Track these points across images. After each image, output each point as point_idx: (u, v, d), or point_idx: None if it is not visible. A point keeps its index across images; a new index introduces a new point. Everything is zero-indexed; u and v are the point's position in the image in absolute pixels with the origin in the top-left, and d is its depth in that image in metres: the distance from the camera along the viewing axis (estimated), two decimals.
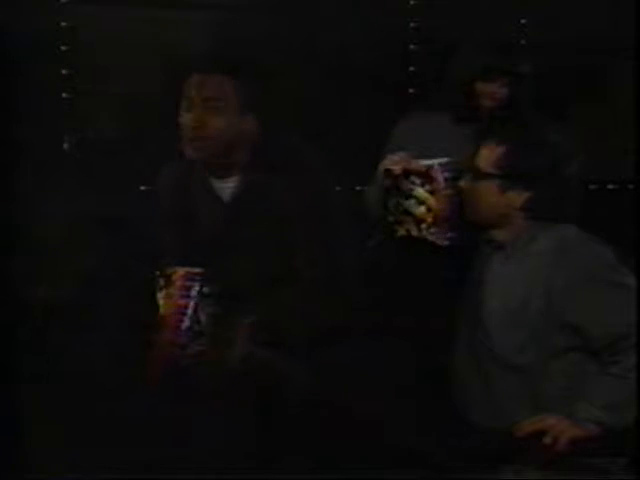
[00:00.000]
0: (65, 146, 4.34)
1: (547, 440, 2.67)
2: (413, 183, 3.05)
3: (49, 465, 2.43)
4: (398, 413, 2.74)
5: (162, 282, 2.71)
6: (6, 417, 2.57)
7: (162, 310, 2.69)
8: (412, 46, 4.74)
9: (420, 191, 3.05)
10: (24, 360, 2.79)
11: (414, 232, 3.07)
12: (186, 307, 2.68)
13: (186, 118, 2.94)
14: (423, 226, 3.06)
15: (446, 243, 3.05)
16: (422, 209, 3.05)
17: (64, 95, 4.39)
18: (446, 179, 3.03)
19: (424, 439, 2.68)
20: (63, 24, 4.40)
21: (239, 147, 2.96)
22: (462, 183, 2.89)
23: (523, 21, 4.74)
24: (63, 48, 4.40)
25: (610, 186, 4.84)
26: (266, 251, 2.92)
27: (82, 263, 3.22)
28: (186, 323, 2.67)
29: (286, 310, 2.84)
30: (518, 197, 2.84)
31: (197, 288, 2.69)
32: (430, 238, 3.06)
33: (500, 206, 2.85)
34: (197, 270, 2.71)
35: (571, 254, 2.79)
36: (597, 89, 4.72)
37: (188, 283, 2.69)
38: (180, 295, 2.69)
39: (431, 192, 3.04)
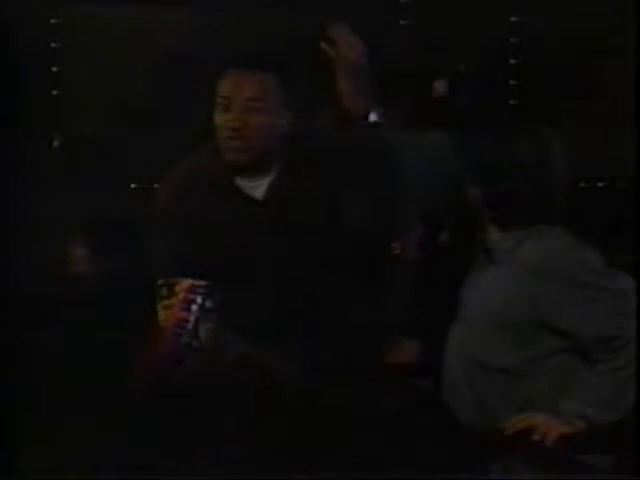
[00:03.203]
0: (55, 143, 4.33)
1: (535, 438, 2.68)
2: None
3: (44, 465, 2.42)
4: (389, 414, 2.74)
5: (164, 292, 2.61)
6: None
7: (161, 321, 2.61)
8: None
9: None
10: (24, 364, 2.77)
11: None
12: (186, 321, 2.60)
13: (224, 119, 2.80)
14: None
15: None
16: None
17: (54, 92, 4.39)
18: None
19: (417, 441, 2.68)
20: (53, 21, 4.39)
21: (275, 145, 2.83)
22: None
23: (514, 19, 4.75)
24: (53, 45, 4.39)
25: (599, 184, 4.85)
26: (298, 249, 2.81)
27: (67, 263, 3.19)
28: (185, 338, 2.59)
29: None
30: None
31: (200, 302, 2.61)
32: None
33: None
34: (202, 283, 2.60)
35: (556, 259, 2.78)
36: (588, 87, 4.73)
37: (191, 296, 2.59)
38: (181, 307, 2.60)
39: None
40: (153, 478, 2.36)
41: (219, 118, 2.81)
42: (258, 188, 2.86)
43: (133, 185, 4.38)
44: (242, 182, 2.86)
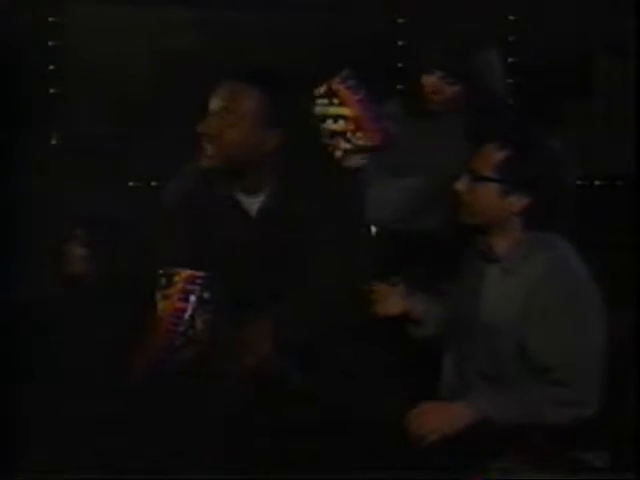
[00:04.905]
0: (54, 142, 4.33)
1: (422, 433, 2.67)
2: (322, 105, 3.14)
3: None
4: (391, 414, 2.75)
5: (164, 282, 2.66)
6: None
7: (159, 311, 2.65)
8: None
9: (330, 109, 3.15)
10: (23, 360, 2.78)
11: (347, 146, 3.15)
12: (184, 311, 2.64)
13: (203, 126, 2.87)
14: (349, 136, 3.14)
15: (375, 144, 3.15)
16: (341, 123, 3.15)
17: (52, 91, 4.39)
18: (349, 87, 3.13)
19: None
20: (50, 19, 4.39)
21: (264, 161, 2.91)
22: (458, 185, 2.86)
23: (511, 17, 4.75)
24: (50, 44, 4.39)
25: (597, 182, 4.85)
26: (289, 263, 2.90)
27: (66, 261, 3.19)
28: (181, 327, 2.63)
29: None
30: (517, 202, 2.81)
31: (197, 293, 2.65)
32: (361, 144, 3.15)
33: (499, 210, 2.82)
34: (200, 274, 2.66)
35: (551, 280, 2.75)
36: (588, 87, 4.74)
37: (189, 286, 2.65)
38: (179, 298, 2.64)
39: (340, 104, 3.14)
40: (151, 477, 2.37)
41: (201, 124, 2.88)
42: (253, 204, 2.94)
43: (131, 183, 4.39)
44: (240, 196, 2.95)
